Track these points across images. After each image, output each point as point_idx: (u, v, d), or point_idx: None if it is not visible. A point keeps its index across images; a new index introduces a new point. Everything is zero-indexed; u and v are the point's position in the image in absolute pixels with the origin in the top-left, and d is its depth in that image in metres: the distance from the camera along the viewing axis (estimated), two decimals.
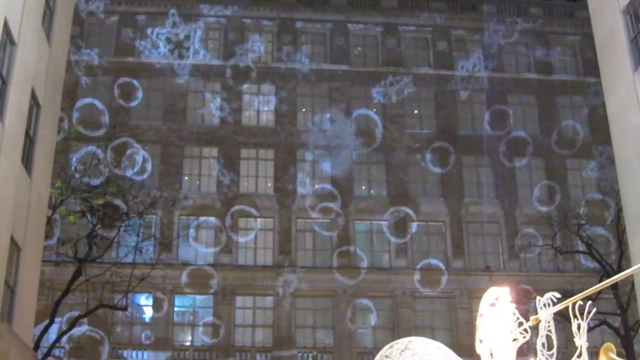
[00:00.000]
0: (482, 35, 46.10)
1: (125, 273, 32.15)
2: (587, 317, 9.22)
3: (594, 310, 9.41)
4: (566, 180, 43.49)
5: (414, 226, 41.72)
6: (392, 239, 41.20)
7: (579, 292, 9.89)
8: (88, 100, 41.46)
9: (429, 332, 37.32)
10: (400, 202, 41.91)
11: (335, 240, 41.04)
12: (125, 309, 33.27)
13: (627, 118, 21.76)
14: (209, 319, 39.28)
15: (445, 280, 39.69)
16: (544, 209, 41.52)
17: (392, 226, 41.39)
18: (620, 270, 31.15)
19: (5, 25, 18.40)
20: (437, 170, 42.83)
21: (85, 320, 33.39)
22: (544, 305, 9.82)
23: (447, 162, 42.84)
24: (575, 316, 9.34)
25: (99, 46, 43.74)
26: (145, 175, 39.07)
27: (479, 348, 10.51)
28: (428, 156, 42.98)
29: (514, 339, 10.20)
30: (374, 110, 43.94)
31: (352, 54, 45.56)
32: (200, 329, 39.34)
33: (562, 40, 46.82)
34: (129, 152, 38.80)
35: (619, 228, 33.18)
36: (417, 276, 39.67)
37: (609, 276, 30.73)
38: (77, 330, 33.80)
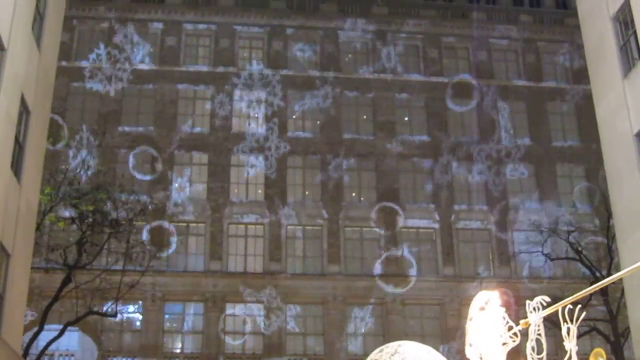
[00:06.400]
0: (472, 43, 46.24)
1: (115, 280, 32.00)
2: (576, 321, 9.21)
3: (584, 314, 9.39)
4: (556, 187, 43.57)
5: (404, 233, 41.72)
6: (382, 246, 41.20)
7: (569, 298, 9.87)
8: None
9: (419, 339, 37.23)
10: (391, 209, 41.90)
11: (326, 247, 40.98)
12: (114, 316, 33.13)
13: (616, 124, 21.83)
14: (199, 326, 39.16)
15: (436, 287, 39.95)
16: (534, 216, 41.60)
17: (383, 233, 41.38)
18: (610, 276, 31.18)
19: None
20: (428, 176, 42.93)
21: None
22: (534, 309, 9.80)
23: (438, 169, 42.91)
24: (565, 320, 9.32)
25: (90, 52, 43.75)
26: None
27: (469, 352, 10.48)
28: (419, 163, 43.09)
29: (504, 343, 10.19)
30: (364, 117, 44.01)
31: (343, 60, 45.58)
32: (190, 336, 39.21)
33: (552, 48, 46.95)
34: None
35: (609, 234, 33.22)
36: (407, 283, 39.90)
37: (598, 282, 30.73)
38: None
